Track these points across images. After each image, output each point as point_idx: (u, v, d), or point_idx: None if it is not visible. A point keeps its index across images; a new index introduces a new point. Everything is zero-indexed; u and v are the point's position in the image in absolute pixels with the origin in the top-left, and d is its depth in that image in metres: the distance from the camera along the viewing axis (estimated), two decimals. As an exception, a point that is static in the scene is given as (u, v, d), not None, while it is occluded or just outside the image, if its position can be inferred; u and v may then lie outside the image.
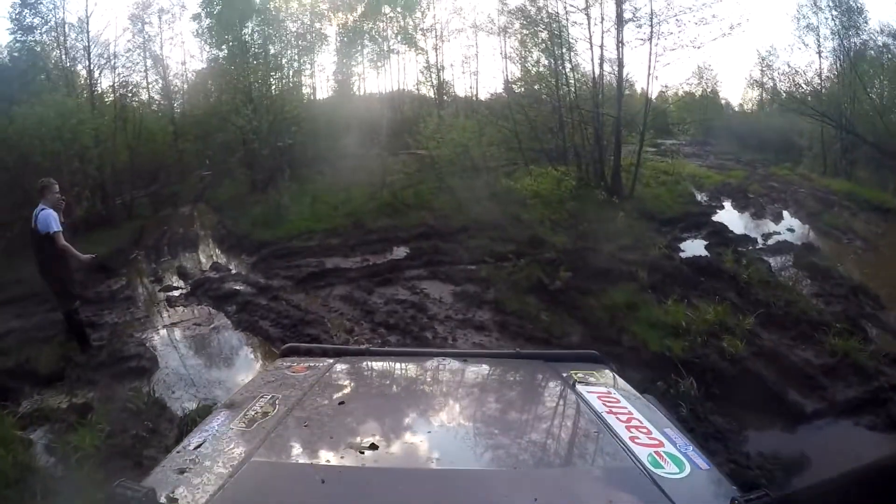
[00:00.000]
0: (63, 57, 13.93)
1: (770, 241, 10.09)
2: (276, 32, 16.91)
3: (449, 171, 12.53)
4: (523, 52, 16.79)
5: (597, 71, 13.86)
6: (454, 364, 2.00)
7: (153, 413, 4.74)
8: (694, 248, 9.71)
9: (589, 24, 13.53)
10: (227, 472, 1.20)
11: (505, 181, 12.93)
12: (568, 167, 13.49)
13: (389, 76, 21.53)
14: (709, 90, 25.74)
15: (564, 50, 14.22)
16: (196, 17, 18.40)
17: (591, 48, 13.57)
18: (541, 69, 15.37)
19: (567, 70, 14.31)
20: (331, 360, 1.99)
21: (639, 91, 18.64)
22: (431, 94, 22.22)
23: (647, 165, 14.99)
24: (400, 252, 9.39)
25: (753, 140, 22.53)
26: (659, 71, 13.42)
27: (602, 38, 13.52)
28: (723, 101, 27.47)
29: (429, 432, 1.46)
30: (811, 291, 7.27)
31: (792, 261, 8.86)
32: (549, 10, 14.34)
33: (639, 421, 1.51)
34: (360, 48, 20.33)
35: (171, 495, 1.11)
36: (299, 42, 18.19)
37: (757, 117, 24.47)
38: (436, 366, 2.00)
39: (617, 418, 1.51)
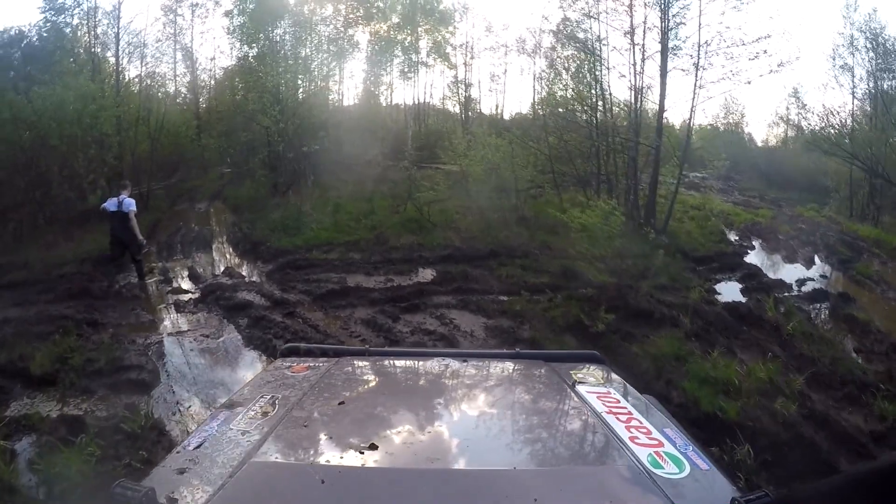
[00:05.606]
0: (92, 42, 13.72)
1: (805, 288, 9.69)
2: (307, 35, 16.71)
3: (477, 189, 12.01)
4: (556, 74, 16.54)
5: (634, 98, 13.56)
6: (454, 364, 2.00)
7: (150, 439, 4.30)
8: (730, 290, 9.38)
9: (633, 49, 13.20)
10: (226, 472, 1.18)
11: (536, 205, 12.48)
12: (600, 195, 13.00)
13: (415, 88, 21.31)
14: (733, 124, 25.54)
15: (603, 72, 13.94)
16: (228, 14, 18.34)
17: (635, 75, 13.18)
18: (575, 92, 15.05)
19: (605, 95, 13.98)
20: (331, 360, 1.98)
21: (668, 121, 18.38)
22: (457, 109, 22.07)
23: (678, 199, 14.52)
24: (426, 274, 8.84)
25: (777, 177, 22.28)
26: (701, 103, 13.09)
27: (643, 64, 13.28)
28: (745, 136, 27.15)
29: (429, 432, 1.45)
30: (852, 346, 6.93)
31: (829, 311, 8.48)
32: (592, 33, 14.12)
33: (638, 421, 1.50)
34: (390, 58, 20.19)
35: (171, 495, 1.10)
36: (330, 46, 18.01)
37: (782, 154, 24.14)
38: (436, 366, 2.00)
39: (617, 418, 1.50)
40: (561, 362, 2.03)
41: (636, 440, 1.38)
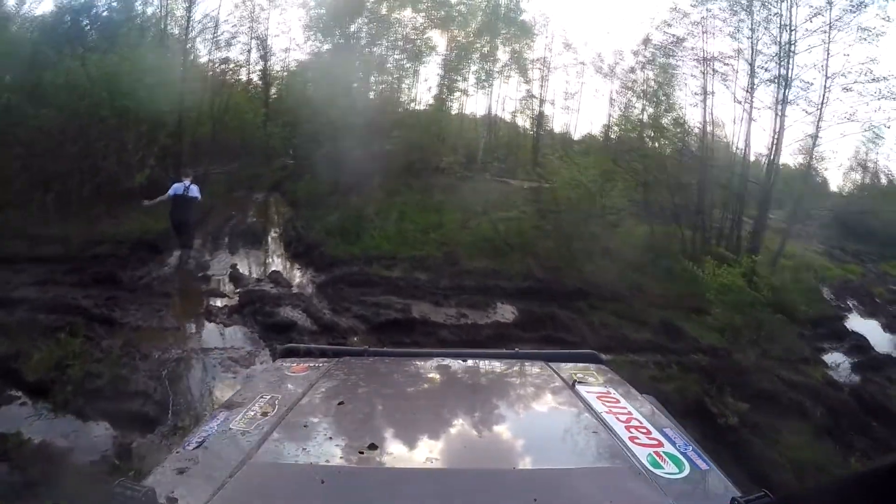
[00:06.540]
0: (165, 17, 13.27)
1: (918, 370, 8.55)
2: (384, 32, 15.99)
3: (559, 211, 10.65)
4: (649, 97, 15.19)
5: (748, 130, 12.25)
6: (454, 364, 1.99)
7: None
8: (842, 366, 8.34)
9: (752, 76, 11.78)
10: (226, 472, 1.16)
11: (620, 235, 11.09)
12: (696, 233, 11.51)
13: (489, 99, 20.48)
14: (811, 167, 23.58)
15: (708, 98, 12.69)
16: (305, 6, 17.88)
17: (749, 104, 11.71)
18: (654, 117, 13.73)
19: (708, 126, 12.87)
20: (330, 361, 1.95)
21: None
22: (528, 124, 21.07)
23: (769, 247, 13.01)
24: (506, 312, 7.48)
25: (857, 227, 20.41)
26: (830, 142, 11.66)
27: (753, 94, 11.92)
28: (820, 179, 25.09)
29: (428, 432, 1.43)
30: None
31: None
32: (702, 52, 12.76)
33: (638, 421, 1.49)
34: (467, 65, 19.41)
35: (171, 495, 1.08)
36: (407, 46, 17.24)
37: (860, 202, 22.22)
38: (436, 366, 2.00)
39: (616, 418, 1.49)
40: (561, 362, 1.99)
41: (636, 440, 1.36)
